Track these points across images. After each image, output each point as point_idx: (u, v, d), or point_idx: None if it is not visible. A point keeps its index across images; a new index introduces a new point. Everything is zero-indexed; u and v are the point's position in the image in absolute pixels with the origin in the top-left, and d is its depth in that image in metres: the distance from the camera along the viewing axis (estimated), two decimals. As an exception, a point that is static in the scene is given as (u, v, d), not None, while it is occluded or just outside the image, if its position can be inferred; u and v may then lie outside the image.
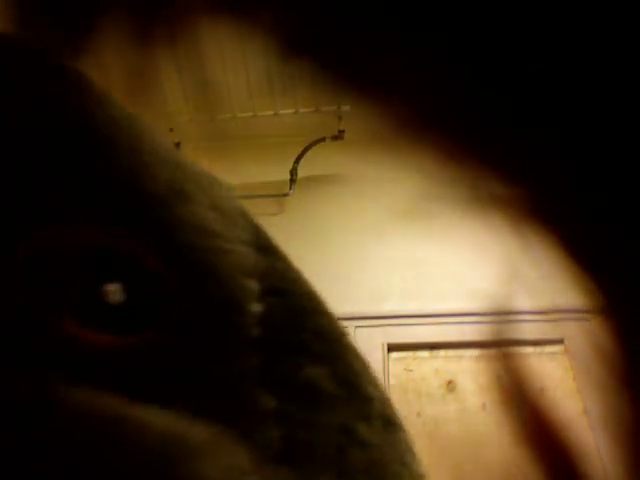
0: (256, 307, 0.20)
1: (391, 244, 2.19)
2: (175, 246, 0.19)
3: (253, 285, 0.20)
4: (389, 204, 2.23)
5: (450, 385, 2.10)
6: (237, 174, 2.03)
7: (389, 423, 0.22)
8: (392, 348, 2.10)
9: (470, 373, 2.09)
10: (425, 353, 2.13)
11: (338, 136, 2.21)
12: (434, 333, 2.09)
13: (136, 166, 0.19)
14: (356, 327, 2.04)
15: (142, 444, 0.16)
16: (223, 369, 0.19)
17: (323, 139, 2.21)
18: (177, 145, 1.95)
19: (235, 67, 1.92)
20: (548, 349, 1.78)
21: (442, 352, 2.11)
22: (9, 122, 0.17)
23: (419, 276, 2.12)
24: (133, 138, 0.19)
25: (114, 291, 0.18)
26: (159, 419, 0.17)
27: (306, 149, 2.19)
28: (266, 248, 0.21)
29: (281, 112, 2.10)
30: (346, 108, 2.15)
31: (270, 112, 2.06)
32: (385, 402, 0.22)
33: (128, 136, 0.19)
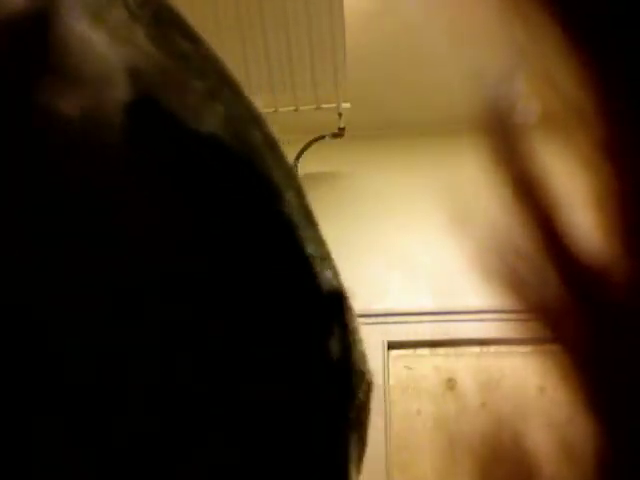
0: None
1: (391, 242, 2.19)
2: None
3: None
4: (389, 202, 2.22)
5: (450, 383, 2.09)
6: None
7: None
8: (392, 346, 2.10)
9: (470, 371, 2.09)
10: (425, 351, 2.12)
11: (338, 134, 2.20)
12: (434, 331, 2.09)
13: None
14: (356, 325, 2.03)
15: None
16: None
17: (323, 137, 2.21)
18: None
19: (235, 64, 1.91)
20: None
21: (442, 350, 2.10)
22: None
23: (419, 273, 2.12)
24: None
25: None
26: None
27: (306, 147, 2.18)
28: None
29: (281, 109, 2.10)
30: (346, 105, 2.14)
31: (270, 109, 2.05)
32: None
33: None
